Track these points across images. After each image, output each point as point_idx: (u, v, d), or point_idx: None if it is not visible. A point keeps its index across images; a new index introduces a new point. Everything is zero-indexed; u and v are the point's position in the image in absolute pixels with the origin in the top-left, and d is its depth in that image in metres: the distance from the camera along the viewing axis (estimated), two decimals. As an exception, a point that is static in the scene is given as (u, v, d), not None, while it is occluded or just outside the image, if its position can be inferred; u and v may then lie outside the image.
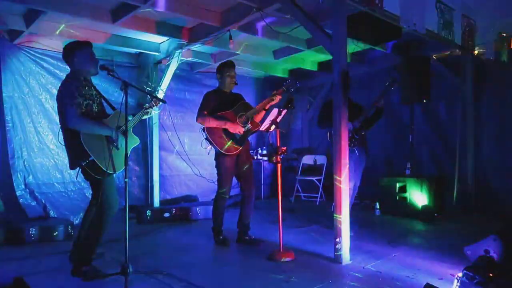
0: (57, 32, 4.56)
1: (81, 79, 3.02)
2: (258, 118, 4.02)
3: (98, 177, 2.95)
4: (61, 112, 2.93)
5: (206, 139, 3.92)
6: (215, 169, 4.04)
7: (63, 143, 3.04)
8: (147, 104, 3.28)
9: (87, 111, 2.96)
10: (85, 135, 2.87)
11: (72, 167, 3.04)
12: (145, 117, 3.33)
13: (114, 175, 3.09)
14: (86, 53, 3.07)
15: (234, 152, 3.91)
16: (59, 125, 3.04)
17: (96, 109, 3.06)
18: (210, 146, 3.94)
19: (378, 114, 4.51)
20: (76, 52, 3.04)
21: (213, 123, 3.87)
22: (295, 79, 3.90)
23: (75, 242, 3.31)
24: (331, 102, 4.66)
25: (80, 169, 3.01)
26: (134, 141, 3.30)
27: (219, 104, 3.97)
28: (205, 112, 3.91)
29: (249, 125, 3.95)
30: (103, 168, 2.90)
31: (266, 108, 3.89)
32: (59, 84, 3.05)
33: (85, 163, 2.87)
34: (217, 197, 4.03)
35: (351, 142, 4.55)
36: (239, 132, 3.90)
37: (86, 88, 3.02)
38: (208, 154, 4.10)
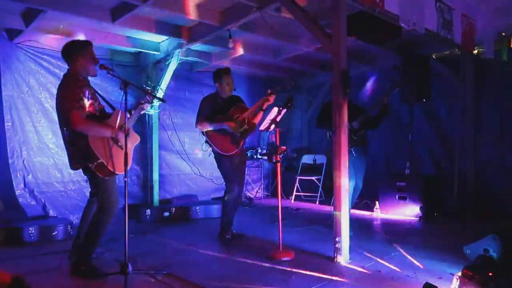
0: (57, 31, 4.55)
1: (81, 79, 3.01)
2: (257, 119, 4.08)
3: (105, 177, 2.95)
4: (64, 113, 2.89)
5: (206, 142, 4.04)
6: (218, 170, 4.16)
7: (63, 143, 3.04)
8: (142, 100, 3.26)
9: (91, 111, 2.96)
10: (91, 137, 2.86)
11: (75, 167, 3.02)
12: (142, 112, 3.31)
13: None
14: (88, 53, 3.04)
15: (232, 153, 3.98)
16: (60, 126, 3.03)
17: (97, 108, 3.08)
18: (210, 148, 4.05)
19: (384, 112, 4.48)
20: (78, 52, 3.01)
21: (211, 127, 3.99)
22: (290, 79, 3.92)
23: (74, 241, 3.30)
24: (331, 103, 4.67)
25: (82, 168, 3.00)
26: (135, 139, 3.30)
27: (217, 108, 4.08)
28: (203, 118, 4.03)
29: (246, 125, 3.99)
30: (111, 169, 2.90)
31: (264, 108, 3.93)
32: (59, 82, 3.05)
33: (93, 165, 2.87)
34: (225, 194, 4.10)
35: (349, 142, 4.56)
36: (235, 131, 3.94)
37: (88, 88, 3.02)
38: (209, 156, 4.20)
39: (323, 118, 4.53)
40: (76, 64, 3.01)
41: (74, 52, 3.02)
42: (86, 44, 3.08)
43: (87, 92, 2.97)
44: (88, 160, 2.87)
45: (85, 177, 3.11)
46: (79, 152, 2.92)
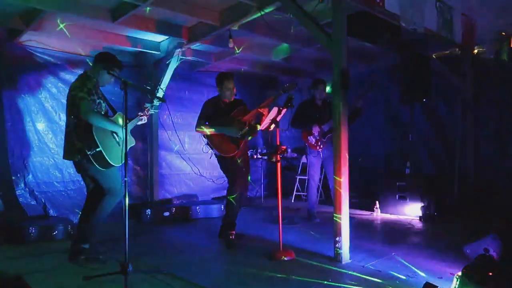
0: (57, 31, 4.55)
1: (94, 81, 3.34)
2: (261, 123, 4.06)
3: (100, 168, 3.17)
4: (75, 102, 3.17)
5: (207, 144, 4.07)
6: (218, 170, 4.22)
7: (64, 134, 3.31)
8: (140, 113, 3.62)
9: (97, 109, 3.28)
10: (96, 128, 3.14)
11: (71, 156, 3.24)
12: (139, 123, 3.68)
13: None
14: (113, 71, 3.33)
15: (232, 154, 3.98)
16: (67, 116, 3.28)
17: (104, 108, 3.40)
18: (211, 150, 4.07)
19: (356, 114, 4.59)
20: (107, 65, 3.33)
21: (210, 131, 4.00)
22: (294, 81, 3.92)
23: (74, 239, 3.39)
24: (305, 103, 4.77)
25: (76, 162, 3.24)
26: (131, 142, 3.53)
27: (218, 112, 4.08)
28: (202, 122, 4.06)
29: (247, 128, 4.00)
30: (108, 160, 3.15)
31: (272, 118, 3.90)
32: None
33: (91, 152, 3.10)
34: (228, 194, 4.07)
35: (317, 144, 4.70)
36: (236, 133, 3.95)
37: (98, 90, 3.38)
38: (210, 158, 4.23)
39: (296, 119, 4.64)
40: (98, 71, 3.37)
41: (105, 62, 3.34)
42: (117, 66, 3.39)
43: (98, 91, 3.36)
44: (88, 148, 3.10)
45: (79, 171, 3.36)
46: (81, 139, 3.16)
